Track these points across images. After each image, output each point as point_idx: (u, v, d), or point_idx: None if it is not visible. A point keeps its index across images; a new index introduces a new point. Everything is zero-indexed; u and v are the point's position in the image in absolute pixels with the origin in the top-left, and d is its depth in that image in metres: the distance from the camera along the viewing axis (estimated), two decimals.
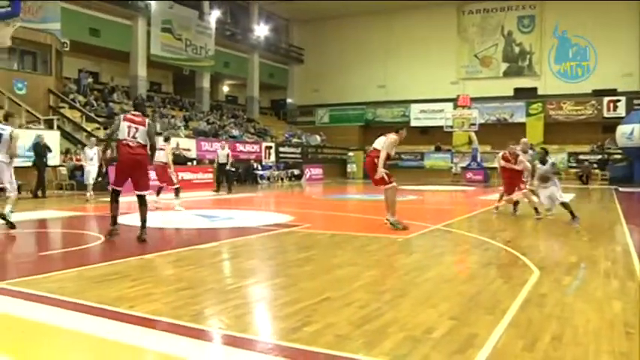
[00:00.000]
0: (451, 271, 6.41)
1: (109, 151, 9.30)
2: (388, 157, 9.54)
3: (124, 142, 7.97)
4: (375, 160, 9.45)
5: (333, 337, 3.73)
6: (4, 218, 8.97)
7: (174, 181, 13.49)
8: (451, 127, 33.32)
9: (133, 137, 7.94)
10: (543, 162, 11.01)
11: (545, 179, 10.78)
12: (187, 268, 6.19)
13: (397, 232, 8.89)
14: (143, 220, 8.15)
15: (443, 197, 19.99)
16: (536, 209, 11.32)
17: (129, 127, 7.98)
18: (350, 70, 40.14)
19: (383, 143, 9.54)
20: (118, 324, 4.03)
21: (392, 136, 9.69)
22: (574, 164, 33.01)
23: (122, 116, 8.25)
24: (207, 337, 3.84)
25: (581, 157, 33.19)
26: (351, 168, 36.47)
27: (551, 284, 5.41)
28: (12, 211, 9.11)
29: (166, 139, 14.18)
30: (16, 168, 10.30)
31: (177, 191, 13.46)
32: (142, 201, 8.19)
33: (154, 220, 9.62)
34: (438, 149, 37.87)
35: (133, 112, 8.29)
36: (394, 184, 9.58)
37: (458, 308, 4.52)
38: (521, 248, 7.53)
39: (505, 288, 5.27)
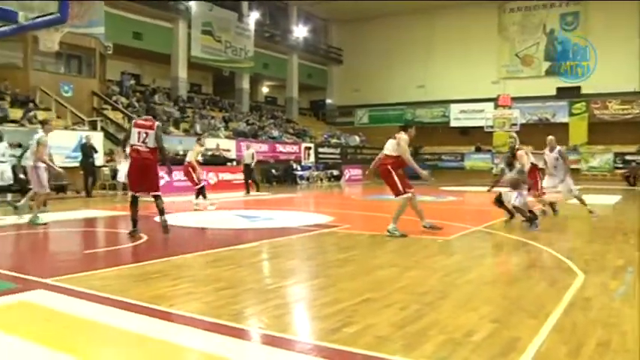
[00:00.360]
0: (492, 273, 6.32)
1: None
2: (400, 162, 8.94)
3: (134, 147, 8.39)
4: (389, 167, 8.86)
5: (373, 339, 3.71)
6: (14, 207, 10.02)
7: (196, 181, 13.54)
8: (492, 127, 32.88)
9: (143, 142, 8.31)
10: (510, 166, 10.23)
11: (514, 185, 9.88)
12: (227, 267, 6.23)
13: (437, 234, 8.79)
14: (160, 210, 8.67)
15: (483, 198, 19.68)
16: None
17: (139, 132, 8.37)
18: (389, 70, 39.91)
19: (396, 146, 9.01)
20: (159, 322, 4.10)
21: (404, 136, 9.11)
22: (620, 165, 32.22)
23: (133, 122, 8.73)
24: (247, 337, 3.86)
25: (628, 157, 32.33)
26: None
27: (596, 288, 5.26)
28: (30, 208, 9.87)
29: (198, 140, 14.49)
30: (63, 168, 10.78)
31: (198, 192, 13.58)
32: (156, 198, 8.65)
33: (195, 220, 9.74)
34: (478, 150, 37.40)
35: (143, 117, 8.81)
36: (410, 194, 8.82)
37: (499, 311, 4.45)
38: (564, 251, 7.37)
39: (548, 291, 5.16)
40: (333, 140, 36.43)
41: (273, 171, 27.39)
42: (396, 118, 40.29)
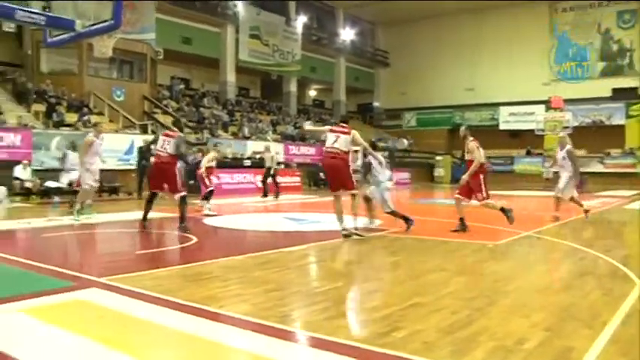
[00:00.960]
0: (544, 280, 6.17)
1: None
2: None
3: (157, 152, 9.63)
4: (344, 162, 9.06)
5: (421, 344, 3.68)
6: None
7: (206, 184, 13.30)
8: (543, 130, 32.19)
9: (164, 148, 9.39)
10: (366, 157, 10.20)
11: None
12: (275, 270, 6.28)
13: (485, 238, 8.66)
14: (181, 215, 9.40)
15: (534, 203, 19.33)
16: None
17: (164, 140, 9.50)
18: (437, 73, 39.55)
19: (350, 141, 9.18)
20: (209, 322, 4.15)
21: (353, 131, 9.36)
22: None
23: (162, 132, 10.09)
24: (295, 339, 3.89)
25: None
26: (438, 172, 35.92)
27: None
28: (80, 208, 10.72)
29: (215, 145, 14.79)
30: (115, 170, 11.39)
31: (206, 196, 13.27)
32: (180, 201, 9.42)
33: (244, 222, 9.85)
34: (528, 153, 36.68)
35: (171, 128, 9.94)
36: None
37: (551, 319, 4.33)
38: (621, 258, 7.15)
39: (604, 300, 4.99)
40: (381, 143, 36.24)
41: (321, 174, 27.43)
42: (444, 121, 39.94)
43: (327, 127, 9.31)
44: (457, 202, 9.78)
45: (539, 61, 36.73)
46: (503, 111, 37.48)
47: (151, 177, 10.02)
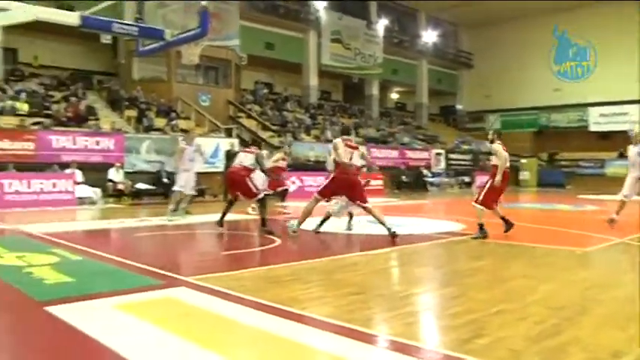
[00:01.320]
0: None
1: None
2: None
3: (233, 165, 10.26)
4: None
5: (507, 352, 3.60)
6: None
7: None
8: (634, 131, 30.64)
9: (240, 163, 9.95)
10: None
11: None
12: (358, 273, 6.30)
13: (574, 245, 8.36)
14: (262, 218, 9.74)
15: (628, 208, 18.44)
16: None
17: (244, 155, 10.09)
18: (522, 74, 38.37)
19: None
20: (292, 323, 4.21)
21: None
22: None
23: (241, 148, 10.96)
24: (377, 342, 3.88)
25: None
26: (523, 175, 34.86)
27: None
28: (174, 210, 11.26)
29: (282, 148, 15.43)
30: (201, 173, 11.93)
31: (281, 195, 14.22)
32: (260, 203, 9.83)
33: (326, 224, 9.92)
34: (621, 156, 34.97)
35: (250, 147, 10.42)
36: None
37: None
38: None
39: None
40: (464, 146, 35.67)
41: (403, 177, 27.28)
42: (530, 123, 38.71)
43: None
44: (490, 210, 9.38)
45: (631, 59, 34.92)
46: (593, 112, 35.84)
47: (227, 186, 10.78)
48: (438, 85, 41.45)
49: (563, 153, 36.45)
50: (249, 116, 25.60)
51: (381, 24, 35.15)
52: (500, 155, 9.09)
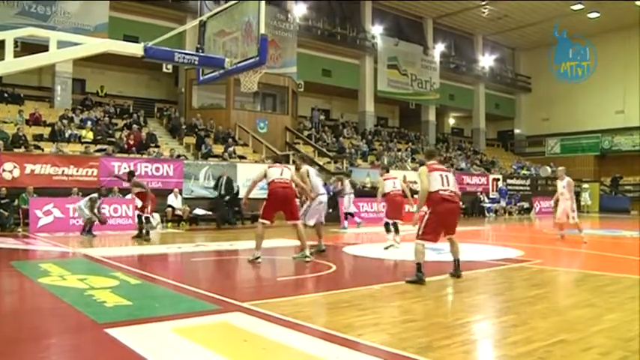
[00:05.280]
0: None
1: None
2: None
3: (278, 180, 9.51)
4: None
5: None
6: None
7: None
8: None
9: (283, 176, 9.53)
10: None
11: None
12: (414, 300, 6.22)
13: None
14: (301, 243, 9.47)
15: None
16: None
17: (282, 169, 9.68)
18: (582, 96, 37.30)
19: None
20: (347, 350, 4.18)
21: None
22: None
23: (269, 165, 10.26)
24: None
25: None
26: (585, 200, 33.84)
27: None
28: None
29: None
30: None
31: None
32: (297, 228, 9.48)
33: (382, 251, 9.86)
34: None
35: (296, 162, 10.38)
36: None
37: None
38: None
39: None
40: (523, 171, 34.96)
41: (460, 203, 26.88)
42: (591, 147, 37.64)
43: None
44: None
45: None
46: None
47: (272, 205, 9.69)
48: (495, 109, 40.90)
49: (628, 177, 35.27)
50: (306, 142, 25.83)
51: (438, 49, 35.10)
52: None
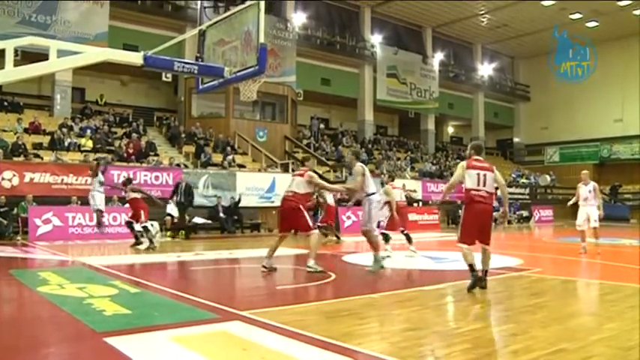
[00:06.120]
0: None
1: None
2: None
3: (285, 194, 9.29)
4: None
5: None
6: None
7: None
8: None
9: (291, 189, 9.17)
10: None
11: None
12: (413, 308, 6.20)
13: None
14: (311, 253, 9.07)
15: None
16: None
17: (292, 180, 9.38)
18: (582, 105, 37.40)
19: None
20: (347, 359, 4.17)
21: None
22: None
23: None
24: None
25: None
26: None
27: None
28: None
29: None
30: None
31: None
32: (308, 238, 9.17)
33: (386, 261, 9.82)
34: None
35: (300, 169, 9.92)
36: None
37: None
38: None
39: None
40: (522, 180, 34.98)
41: (460, 212, 26.85)
42: (590, 155, 37.69)
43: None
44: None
45: None
46: None
47: (281, 219, 9.57)
48: (494, 118, 40.99)
49: (627, 186, 35.28)
50: (305, 151, 25.83)
51: (437, 58, 35.21)
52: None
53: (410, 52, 33.64)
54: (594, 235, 12.48)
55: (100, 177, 13.96)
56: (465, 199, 7.44)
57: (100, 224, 14.23)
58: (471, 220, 7.39)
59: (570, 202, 13.80)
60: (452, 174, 28.08)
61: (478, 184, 7.39)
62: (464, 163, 7.64)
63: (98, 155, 18.71)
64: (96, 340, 4.63)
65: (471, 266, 7.23)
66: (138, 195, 13.81)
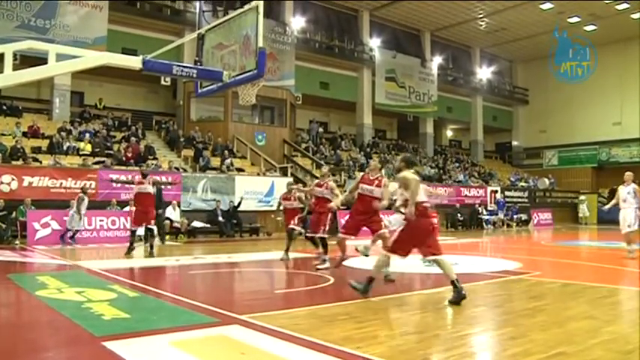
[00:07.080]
0: None
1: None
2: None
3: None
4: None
5: None
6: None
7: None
8: None
9: (289, 192, 11.27)
10: None
11: None
12: (412, 312, 6.21)
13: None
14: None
15: None
16: None
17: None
18: (580, 108, 37.42)
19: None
20: None
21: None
22: None
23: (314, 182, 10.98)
24: None
25: None
26: (582, 212, 33.85)
27: None
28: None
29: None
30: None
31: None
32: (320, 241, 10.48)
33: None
34: None
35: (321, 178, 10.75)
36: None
37: None
38: None
39: None
40: (521, 183, 35.00)
41: (458, 215, 26.89)
42: (589, 158, 37.68)
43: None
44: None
45: None
46: None
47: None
48: (493, 121, 41.01)
49: None
50: (304, 155, 25.86)
51: (435, 62, 35.26)
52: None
53: (408, 55, 33.67)
54: (626, 240, 11.92)
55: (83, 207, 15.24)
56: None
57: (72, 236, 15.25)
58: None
59: (608, 206, 13.05)
60: (450, 177, 28.26)
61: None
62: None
63: (97, 159, 18.73)
64: (94, 345, 4.62)
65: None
66: (153, 190, 13.06)
